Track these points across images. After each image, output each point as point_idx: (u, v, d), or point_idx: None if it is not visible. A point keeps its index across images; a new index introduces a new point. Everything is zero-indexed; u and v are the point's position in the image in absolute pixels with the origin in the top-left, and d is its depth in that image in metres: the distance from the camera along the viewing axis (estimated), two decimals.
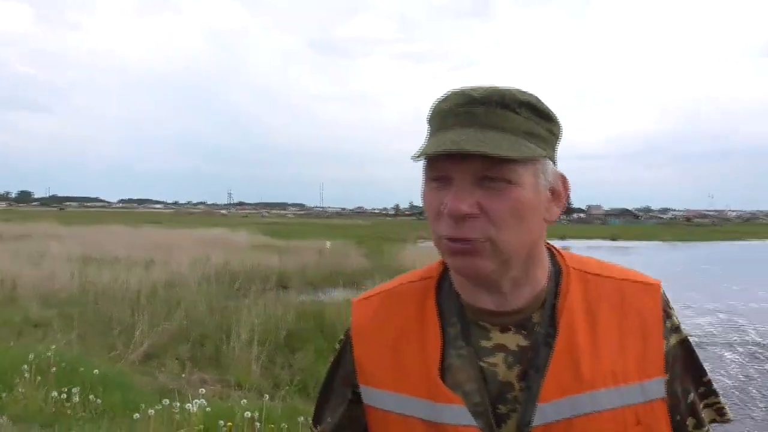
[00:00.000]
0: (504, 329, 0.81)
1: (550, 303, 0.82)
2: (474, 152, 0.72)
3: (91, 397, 3.99)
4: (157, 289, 10.95)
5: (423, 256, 19.40)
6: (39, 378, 4.14)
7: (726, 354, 9.56)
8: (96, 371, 4.45)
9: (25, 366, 4.15)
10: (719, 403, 0.86)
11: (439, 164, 0.77)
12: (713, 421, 0.86)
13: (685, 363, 0.84)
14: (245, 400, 3.72)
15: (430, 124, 0.82)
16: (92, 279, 11.38)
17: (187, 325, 8.54)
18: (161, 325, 8.15)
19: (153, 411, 3.09)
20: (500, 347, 0.81)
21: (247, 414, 3.07)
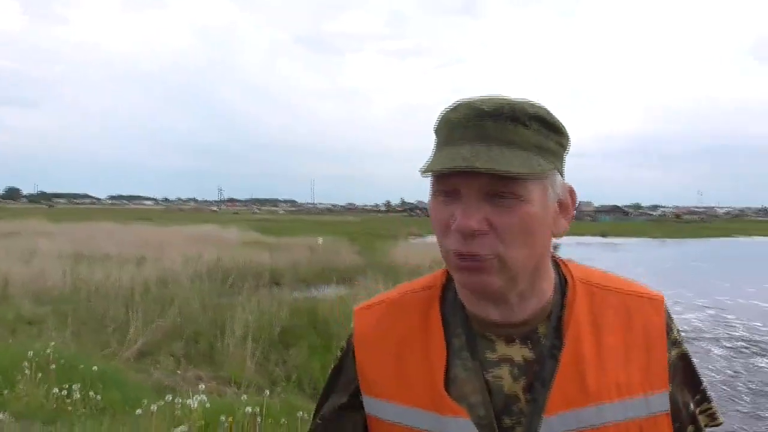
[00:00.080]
0: (509, 341, 0.81)
1: (556, 315, 0.82)
2: (485, 171, 0.71)
3: (91, 393, 4.02)
4: (149, 287, 10.95)
5: (414, 252, 19.49)
6: (40, 375, 4.16)
7: (714, 349, 9.70)
8: (95, 368, 4.48)
9: (26, 363, 4.18)
10: (712, 408, 0.88)
11: (448, 178, 0.76)
12: (706, 425, 0.88)
13: (684, 373, 0.85)
14: (245, 396, 3.76)
15: (437, 135, 0.81)
16: (84, 276, 11.34)
17: (181, 323, 8.57)
18: (155, 322, 8.17)
19: (155, 407, 3.13)
20: (506, 359, 0.81)
21: (248, 409, 3.11)
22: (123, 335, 7.73)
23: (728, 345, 10.03)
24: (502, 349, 0.81)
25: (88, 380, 4.22)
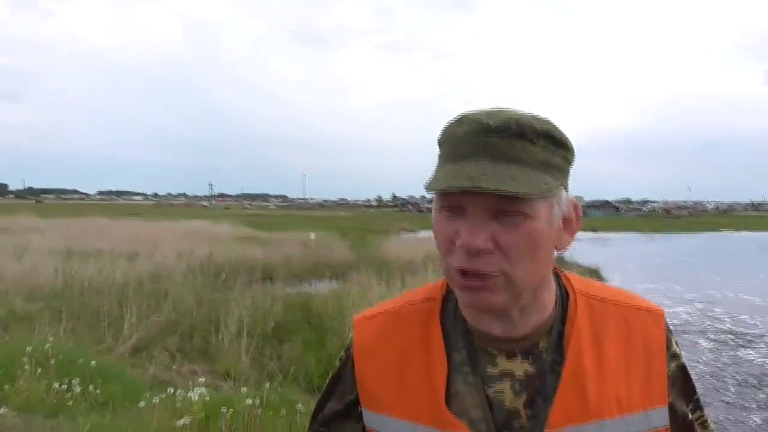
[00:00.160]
0: (510, 355, 0.81)
1: (557, 329, 0.82)
2: (493, 191, 0.71)
3: (90, 388, 4.07)
4: (143, 282, 10.96)
5: (406, 247, 19.57)
6: (39, 370, 4.20)
7: (701, 341, 9.86)
8: (93, 363, 4.52)
9: (25, 358, 4.21)
10: (704, 416, 0.89)
11: (453, 195, 0.75)
12: None
13: (682, 384, 0.86)
14: (245, 388, 3.82)
15: (441, 148, 0.80)
16: (76, 272, 11.32)
17: (175, 318, 8.60)
18: (149, 317, 8.20)
19: (158, 399, 3.18)
20: (507, 374, 0.80)
21: (249, 401, 3.17)
22: (117, 330, 7.75)
23: (715, 337, 10.19)
24: (503, 363, 0.81)
25: (88, 375, 4.27)
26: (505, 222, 0.74)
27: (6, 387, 4.07)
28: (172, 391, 3.58)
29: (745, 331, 10.76)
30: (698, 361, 8.54)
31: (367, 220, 49.30)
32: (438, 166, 0.79)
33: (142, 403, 3.31)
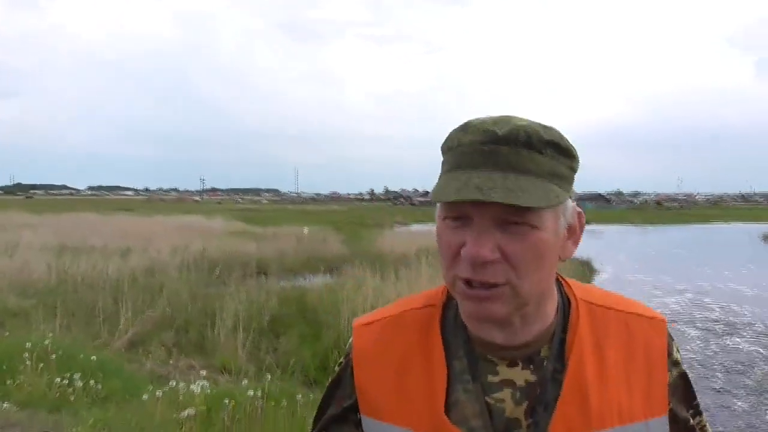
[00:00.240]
0: (512, 364, 0.81)
1: (559, 337, 0.81)
2: (502, 202, 0.70)
3: (91, 382, 4.11)
4: (137, 278, 10.97)
5: (400, 241, 19.64)
6: (41, 365, 4.24)
7: (690, 331, 10.01)
8: (94, 358, 4.56)
9: (26, 354, 4.25)
10: (702, 421, 0.89)
11: (459, 205, 0.75)
12: None
13: (683, 391, 0.86)
14: (246, 380, 3.88)
15: (446, 156, 0.79)
16: (69, 268, 11.31)
17: (171, 313, 8.64)
18: (144, 312, 8.23)
19: (161, 392, 3.23)
20: (507, 382, 0.80)
21: (251, 393, 3.23)
22: (113, 326, 7.79)
23: (704, 327, 10.35)
24: (504, 371, 0.80)
25: (89, 370, 4.31)
26: (511, 232, 0.73)
27: (8, 382, 4.10)
28: (175, 383, 3.63)
29: (734, 320, 10.93)
30: (687, 350, 8.68)
31: (360, 213, 49.33)
32: (443, 175, 0.78)
33: (145, 396, 3.35)
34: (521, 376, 0.80)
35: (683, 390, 0.86)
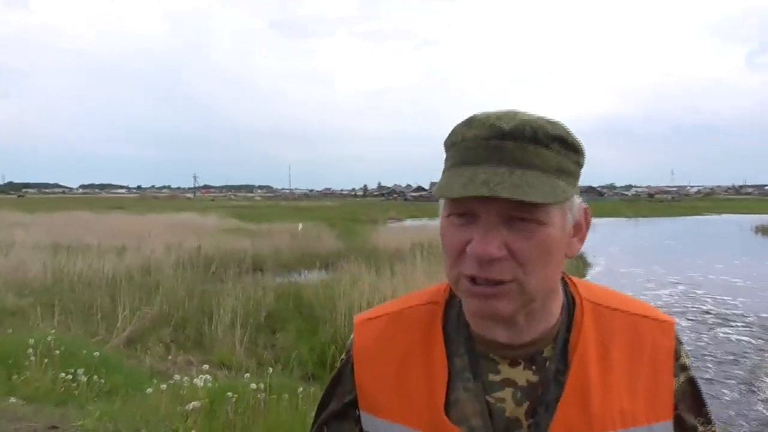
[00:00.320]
0: (513, 363, 0.79)
1: (563, 337, 0.80)
2: (512, 199, 0.69)
3: (95, 377, 4.18)
4: (133, 275, 10.98)
5: (394, 236, 19.71)
6: (46, 361, 4.30)
7: (682, 322, 10.14)
8: (96, 354, 4.62)
9: (30, 350, 4.31)
10: (713, 429, 0.87)
11: (465, 201, 0.73)
12: None
13: (692, 398, 0.84)
14: (248, 374, 3.95)
15: (449, 151, 0.78)
16: (65, 267, 11.31)
17: (168, 310, 8.68)
18: (141, 310, 8.27)
19: (165, 386, 3.29)
20: (509, 382, 0.79)
21: (253, 386, 3.30)
22: (110, 323, 7.82)
23: (696, 318, 10.48)
24: (505, 371, 0.79)
25: (91, 366, 4.37)
26: (518, 229, 0.72)
27: (14, 378, 4.16)
28: (179, 378, 3.69)
29: (725, 311, 11.07)
30: None
31: (354, 209, 49.36)
32: (447, 170, 0.77)
33: (149, 390, 3.42)
34: (523, 375, 0.79)
35: (691, 396, 0.84)
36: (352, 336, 0.89)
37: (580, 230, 0.79)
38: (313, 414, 0.94)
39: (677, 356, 0.82)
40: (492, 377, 0.79)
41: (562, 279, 0.84)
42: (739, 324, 10.09)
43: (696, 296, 12.53)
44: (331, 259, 14.94)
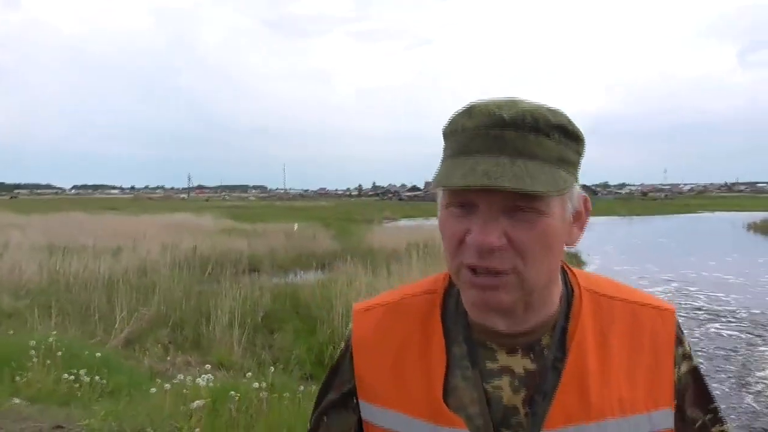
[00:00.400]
0: (511, 351, 0.79)
1: (561, 326, 0.80)
2: (513, 189, 0.68)
3: (97, 378, 4.22)
4: (129, 277, 11.00)
5: (390, 236, 19.77)
6: (48, 362, 4.34)
7: None
8: (98, 354, 4.67)
9: (32, 351, 4.35)
10: (724, 429, 0.85)
11: (465, 192, 0.72)
12: None
13: (695, 391, 0.83)
14: (250, 373, 4.00)
15: (448, 141, 0.77)
16: (61, 268, 11.32)
17: (165, 311, 8.71)
18: (139, 311, 8.30)
19: (169, 386, 3.34)
20: (506, 370, 0.79)
21: (255, 384, 3.35)
22: (108, 324, 7.85)
23: (689, 315, 10.59)
24: (503, 359, 0.79)
25: (93, 366, 4.42)
26: (518, 219, 0.72)
27: (17, 379, 4.21)
28: (183, 377, 3.74)
29: (718, 307, 11.19)
30: None
31: (349, 209, 49.35)
32: (445, 160, 0.76)
33: (153, 389, 3.46)
34: (520, 363, 0.78)
35: (695, 389, 0.83)
36: (350, 326, 0.90)
37: (580, 219, 0.79)
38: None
39: (678, 344, 0.81)
40: (490, 365, 0.79)
41: (562, 268, 0.84)
42: (730, 320, 10.21)
43: (689, 293, 12.65)
44: (327, 260, 15.00)
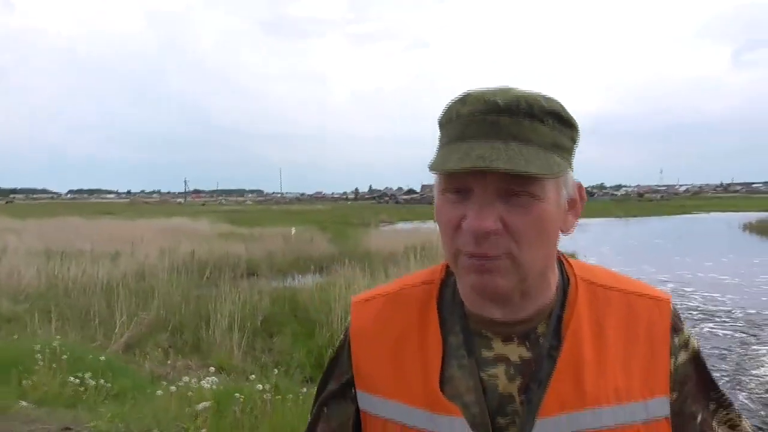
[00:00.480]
0: (507, 340, 0.80)
1: (557, 314, 0.81)
2: (506, 171, 0.70)
3: (101, 381, 4.28)
4: (128, 281, 11.03)
5: (387, 239, 19.81)
6: (54, 365, 4.39)
7: None
8: (102, 358, 4.71)
9: (38, 355, 4.40)
10: (730, 415, 0.84)
11: (460, 177, 0.73)
12: None
13: (696, 381, 0.82)
14: (253, 375, 4.05)
15: (444, 128, 0.78)
16: (59, 273, 11.34)
17: (164, 315, 8.75)
18: (138, 315, 8.33)
19: (174, 388, 3.39)
20: (502, 358, 0.79)
21: (259, 386, 3.41)
22: (107, 329, 7.89)
23: (685, 315, 10.51)
24: (499, 347, 0.80)
25: (98, 370, 4.47)
26: (513, 203, 0.73)
27: (23, 382, 4.26)
28: (188, 379, 3.80)
29: (713, 308, 11.28)
30: None
31: (346, 212, 49.38)
32: (441, 147, 0.77)
33: (159, 392, 3.51)
34: (516, 352, 0.79)
35: (696, 379, 0.82)
36: (349, 318, 0.91)
37: (574, 206, 0.80)
38: None
39: (675, 332, 0.81)
40: (485, 354, 0.80)
41: (558, 258, 0.84)
42: (726, 320, 10.29)
43: (685, 293, 12.73)
44: (325, 263, 15.03)
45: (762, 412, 6.16)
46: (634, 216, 47.03)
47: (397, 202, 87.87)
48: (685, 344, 0.82)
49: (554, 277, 0.82)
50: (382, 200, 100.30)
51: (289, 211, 56.25)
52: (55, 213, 36.96)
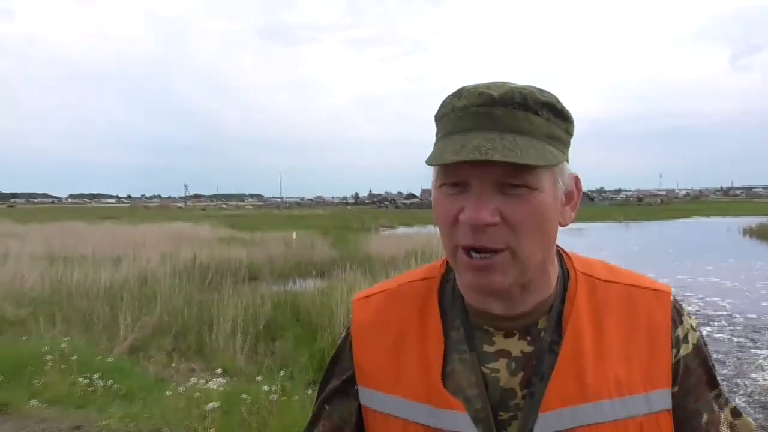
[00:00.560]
0: (508, 334, 0.80)
1: (557, 309, 0.81)
2: (502, 161, 0.70)
3: (110, 382, 4.35)
4: (131, 285, 11.10)
5: (388, 243, 19.85)
6: (63, 366, 4.46)
7: None
8: (110, 359, 4.79)
9: (48, 356, 4.48)
10: (726, 412, 0.84)
11: (457, 169, 0.74)
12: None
13: (699, 376, 0.82)
14: (260, 377, 4.12)
15: (440, 123, 0.79)
16: (62, 277, 11.41)
17: (167, 319, 8.81)
18: (141, 319, 8.40)
19: (183, 388, 3.47)
20: (503, 353, 0.79)
21: (266, 387, 3.48)
22: (111, 332, 7.96)
23: None
24: (500, 342, 0.80)
25: (106, 371, 4.55)
26: (511, 195, 0.73)
27: (34, 382, 4.34)
28: (195, 380, 3.87)
29: (713, 312, 11.32)
30: None
31: (346, 217, 49.46)
32: (438, 141, 0.78)
33: (167, 392, 3.59)
34: (517, 346, 0.79)
35: (698, 374, 0.82)
36: (350, 316, 0.91)
37: (572, 199, 0.81)
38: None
39: (676, 324, 0.81)
40: (487, 348, 0.80)
41: (558, 252, 0.85)
42: (725, 324, 10.34)
43: (685, 298, 12.77)
44: (326, 267, 15.08)
45: (760, 416, 6.22)
46: (634, 220, 47.07)
47: (397, 207, 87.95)
48: (686, 336, 0.81)
49: (554, 271, 0.82)
50: (382, 205, 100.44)
51: (290, 215, 56.37)
52: (56, 218, 37.05)
